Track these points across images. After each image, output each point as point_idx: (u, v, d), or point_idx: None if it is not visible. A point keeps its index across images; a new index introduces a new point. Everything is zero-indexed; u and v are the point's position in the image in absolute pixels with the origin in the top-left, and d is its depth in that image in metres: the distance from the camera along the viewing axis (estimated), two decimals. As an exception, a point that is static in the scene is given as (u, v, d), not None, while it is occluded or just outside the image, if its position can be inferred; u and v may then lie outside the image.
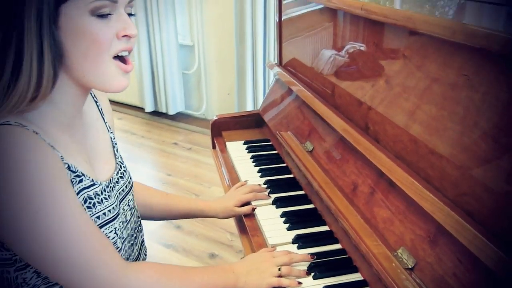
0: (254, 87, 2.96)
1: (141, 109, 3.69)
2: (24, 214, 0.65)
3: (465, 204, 0.69)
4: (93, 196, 0.80)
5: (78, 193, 0.76)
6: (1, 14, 0.68)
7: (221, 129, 1.65)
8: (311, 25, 1.33)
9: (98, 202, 0.81)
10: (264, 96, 2.95)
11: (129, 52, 0.77)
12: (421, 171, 0.80)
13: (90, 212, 0.78)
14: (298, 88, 1.32)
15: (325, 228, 1.05)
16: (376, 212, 0.88)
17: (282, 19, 1.53)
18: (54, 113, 0.76)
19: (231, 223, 2.27)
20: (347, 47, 1.08)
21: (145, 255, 1.02)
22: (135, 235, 0.97)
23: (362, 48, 1.01)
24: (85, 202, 0.77)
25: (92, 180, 0.80)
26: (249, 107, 3.00)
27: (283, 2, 1.51)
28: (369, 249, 0.80)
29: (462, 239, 0.63)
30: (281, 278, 0.88)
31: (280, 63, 1.60)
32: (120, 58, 0.76)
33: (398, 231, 0.80)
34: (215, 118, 1.65)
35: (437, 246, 0.72)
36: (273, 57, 2.79)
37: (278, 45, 1.59)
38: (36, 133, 0.70)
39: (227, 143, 1.53)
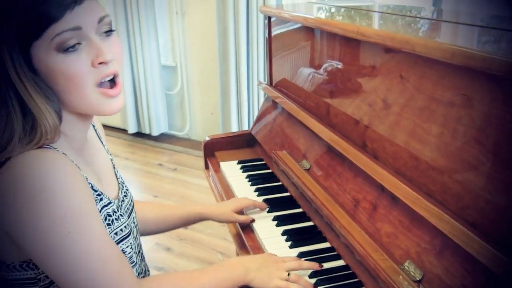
0: (238, 107, 2.99)
1: (124, 130, 3.67)
2: (57, 233, 0.67)
3: (468, 217, 0.72)
4: (111, 213, 0.82)
5: (100, 211, 0.78)
6: None
7: (213, 149, 1.66)
8: (301, 45, 1.37)
9: (116, 219, 0.83)
10: (249, 115, 2.99)
11: (115, 75, 0.75)
12: (422, 186, 0.84)
13: (110, 229, 0.81)
14: (291, 107, 1.36)
15: (326, 245, 1.08)
16: (379, 227, 0.90)
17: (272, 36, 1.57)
18: (67, 141, 0.78)
19: (222, 243, 2.28)
20: (341, 67, 1.13)
21: (148, 271, 1.03)
22: (141, 251, 0.99)
23: (357, 69, 1.05)
24: (105, 219, 0.80)
25: (108, 199, 0.83)
26: (234, 127, 3.02)
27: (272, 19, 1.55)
28: (376, 264, 0.82)
29: (470, 249, 0.67)
30: (288, 283, 0.89)
31: (270, 83, 1.64)
32: (105, 84, 0.75)
33: (403, 245, 0.83)
34: (207, 138, 1.66)
35: (443, 258, 0.75)
36: (256, 76, 2.84)
37: (268, 66, 1.62)
38: (65, 154, 0.72)
39: (221, 163, 1.55)
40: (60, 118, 0.73)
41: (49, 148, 0.71)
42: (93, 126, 0.97)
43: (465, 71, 0.70)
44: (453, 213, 0.75)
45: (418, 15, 1.26)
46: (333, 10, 1.48)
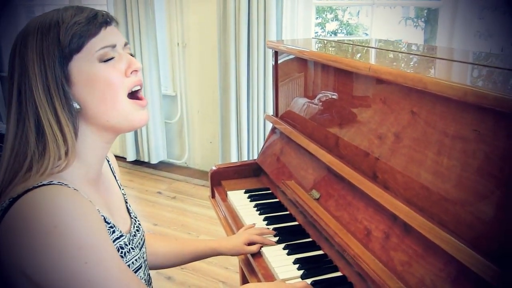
0: (238, 137, 3.04)
1: (122, 158, 3.69)
2: (75, 264, 0.68)
3: (481, 246, 0.76)
4: (123, 246, 0.84)
5: (113, 242, 0.80)
6: (12, 97, 0.75)
7: (220, 178, 1.69)
8: (309, 79, 1.43)
9: (127, 252, 0.85)
10: (248, 145, 3.04)
11: (140, 86, 0.84)
12: (434, 216, 0.88)
13: (123, 261, 0.82)
14: (300, 138, 1.40)
15: (338, 273, 1.10)
16: (392, 255, 0.94)
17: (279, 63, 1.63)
18: (83, 170, 0.81)
19: (223, 272, 2.28)
20: (351, 102, 1.18)
21: None
22: (149, 287, 0.99)
23: (368, 104, 1.10)
24: (118, 251, 0.81)
25: (120, 232, 0.84)
26: (234, 156, 3.06)
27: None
28: (393, 291, 0.85)
29: (486, 277, 0.70)
30: None
31: (276, 115, 1.69)
32: (134, 96, 0.82)
33: (417, 273, 0.86)
34: (213, 168, 1.70)
35: (458, 285, 0.78)
36: (256, 107, 2.90)
37: (275, 98, 1.68)
38: (76, 190, 0.74)
39: (229, 192, 1.57)
40: (76, 133, 0.77)
41: (61, 185, 0.73)
42: (108, 161, 1.00)
43: (477, 108, 0.75)
44: (467, 241, 0.78)
45: (419, 52, 1.33)
46: (338, 46, 1.55)
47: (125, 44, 0.83)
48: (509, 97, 0.67)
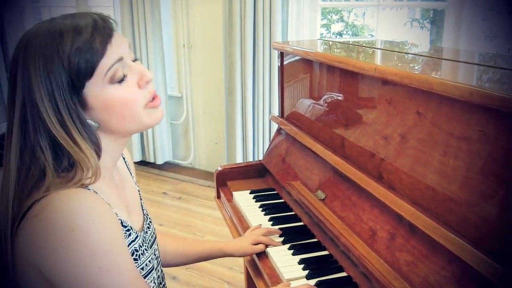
0: (243, 137, 3.05)
1: (128, 159, 3.70)
2: (88, 268, 0.69)
3: (487, 246, 0.76)
4: (138, 248, 0.84)
5: (128, 245, 0.81)
6: (14, 115, 0.73)
7: (225, 179, 1.70)
8: (314, 80, 1.43)
9: (142, 254, 0.85)
10: (253, 146, 3.04)
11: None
12: (440, 216, 0.88)
13: (137, 264, 0.83)
14: (306, 139, 1.41)
15: (343, 274, 1.10)
16: (398, 256, 0.94)
17: (285, 64, 1.64)
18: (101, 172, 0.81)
19: (228, 272, 2.29)
20: (357, 102, 1.18)
21: None
22: (162, 282, 1.00)
23: (373, 104, 1.11)
24: (132, 254, 0.82)
25: (136, 232, 0.85)
26: (239, 157, 3.07)
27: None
28: (398, 291, 0.85)
29: (492, 277, 0.70)
30: None
31: (282, 115, 1.69)
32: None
33: (422, 273, 0.87)
34: (219, 168, 1.70)
35: (463, 285, 0.78)
36: (262, 107, 2.90)
37: (280, 99, 1.69)
38: (96, 192, 0.75)
39: (234, 193, 1.58)
40: (99, 154, 0.77)
41: (82, 187, 0.73)
42: (124, 158, 1.01)
43: (482, 109, 0.75)
44: (472, 242, 0.78)
45: (424, 53, 1.34)
46: (344, 47, 1.56)
47: (129, 46, 0.81)
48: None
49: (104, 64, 0.74)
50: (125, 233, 0.81)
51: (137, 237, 0.85)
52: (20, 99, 0.73)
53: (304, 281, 1.08)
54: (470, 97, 0.75)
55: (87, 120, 0.76)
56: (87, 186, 0.74)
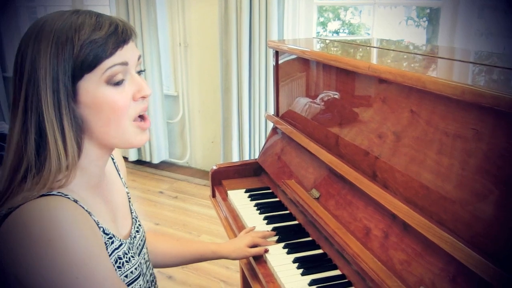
0: (239, 136, 3.05)
1: (124, 158, 3.68)
2: (65, 279, 0.68)
3: (480, 244, 0.76)
4: (122, 256, 0.83)
5: (110, 254, 0.80)
6: (18, 102, 0.73)
7: (220, 178, 1.70)
8: (309, 78, 1.43)
9: (126, 261, 0.84)
10: (250, 145, 3.04)
11: (145, 111, 0.82)
12: (433, 215, 0.88)
13: (120, 272, 0.82)
14: (301, 138, 1.40)
15: (337, 272, 1.10)
16: (391, 254, 0.94)
17: (279, 63, 1.64)
18: (84, 178, 0.80)
19: (224, 271, 2.29)
20: (351, 101, 1.18)
21: None
22: (153, 286, 0.99)
23: (367, 103, 1.10)
24: (115, 262, 0.81)
25: (120, 240, 0.84)
26: (235, 156, 3.07)
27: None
28: (391, 290, 0.85)
29: (484, 275, 0.70)
30: None
31: (277, 114, 1.69)
32: (137, 117, 0.80)
33: (416, 272, 0.87)
34: (214, 167, 1.70)
35: (457, 284, 0.78)
36: (258, 106, 2.90)
37: (275, 97, 1.68)
38: (76, 201, 0.74)
39: (229, 192, 1.58)
40: (79, 148, 0.76)
41: (61, 195, 0.72)
42: (112, 159, 0.99)
43: (474, 107, 0.75)
44: (465, 240, 0.78)
45: (419, 52, 1.33)
46: (339, 45, 1.55)
47: (139, 58, 0.80)
48: (507, 95, 0.68)
49: (107, 62, 0.74)
50: (107, 241, 0.79)
51: (121, 244, 0.83)
52: (26, 79, 0.72)
53: (299, 278, 1.08)
54: (463, 95, 0.75)
55: (77, 116, 0.75)
56: (66, 195, 0.73)
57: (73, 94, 0.73)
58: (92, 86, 0.74)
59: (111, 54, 0.74)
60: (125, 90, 0.77)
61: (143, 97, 0.79)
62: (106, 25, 0.74)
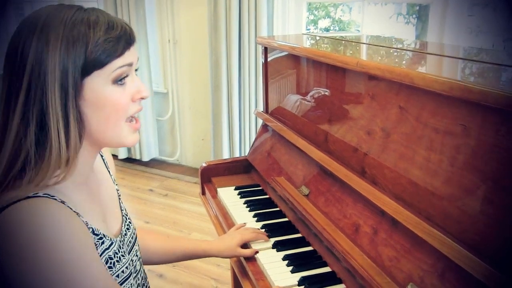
0: (230, 133, 3.03)
1: (114, 156, 3.66)
2: (57, 281, 0.67)
3: (468, 240, 0.76)
4: (112, 256, 0.82)
5: (101, 255, 0.79)
6: (12, 95, 0.71)
7: (210, 175, 1.68)
8: (298, 75, 1.42)
9: (117, 261, 0.84)
10: (240, 141, 3.03)
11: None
12: (422, 211, 0.88)
13: (111, 272, 0.81)
14: (290, 134, 1.40)
15: (327, 269, 1.10)
16: (380, 251, 0.93)
17: (268, 61, 1.63)
18: (72, 176, 0.78)
19: (215, 269, 2.28)
20: (339, 97, 1.18)
21: None
22: (145, 284, 0.98)
23: (356, 99, 1.10)
24: (106, 262, 0.80)
25: (110, 240, 0.83)
26: (225, 153, 3.06)
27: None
28: (381, 287, 0.85)
29: (472, 271, 0.70)
30: None
31: (266, 111, 1.68)
32: (130, 118, 0.81)
33: (405, 268, 0.86)
34: (204, 164, 1.69)
35: (445, 280, 0.78)
36: (248, 103, 2.89)
37: (265, 94, 1.67)
38: (63, 202, 0.73)
39: (219, 189, 1.57)
40: (80, 145, 0.75)
41: (47, 197, 0.71)
42: (101, 156, 0.98)
43: (462, 103, 0.75)
44: (454, 236, 0.78)
45: (408, 48, 1.33)
46: (328, 41, 1.55)
47: (138, 58, 0.82)
48: (494, 91, 0.67)
49: (118, 62, 0.75)
50: (97, 241, 0.78)
51: (111, 244, 0.83)
52: (29, 69, 0.70)
53: (289, 275, 1.07)
54: (451, 91, 0.75)
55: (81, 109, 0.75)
56: (53, 196, 0.72)
57: (80, 90, 0.73)
58: (99, 84, 0.74)
59: (121, 54, 0.75)
60: (127, 90, 0.78)
61: (142, 98, 0.81)
62: (118, 25, 0.76)
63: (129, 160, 3.65)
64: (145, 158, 3.54)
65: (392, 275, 0.88)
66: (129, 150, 3.64)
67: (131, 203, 3.05)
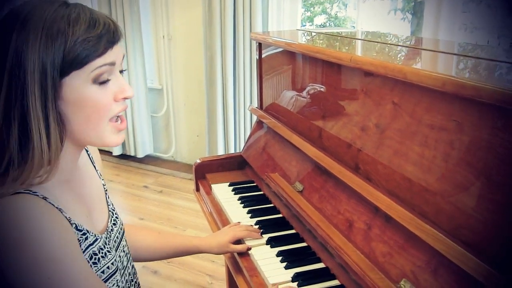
0: (225, 129, 3.03)
1: (108, 152, 3.65)
2: (37, 279, 0.67)
3: (461, 236, 0.76)
4: (97, 252, 0.82)
5: (84, 251, 0.78)
6: (1, 94, 0.70)
7: (204, 171, 1.68)
8: (293, 71, 1.42)
9: (102, 257, 0.83)
10: (235, 138, 3.02)
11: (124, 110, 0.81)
12: (415, 207, 0.88)
13: (96, 268, 0.80)
14: (284, 131, 1.39)
15: (321, 265, 1.10)
16: (374, 247, 0.93)
17: (263, 57, 1.62)
18: (56, 174, 0.77)
19: (210, 265, 2.28)
20: (333, 93, 1.17)
21: None
22: (134, 279, 0.98)
23: (349, 95, 1.10)
24: (90, 258, 0.80)
25: (95, 236, 0.82)
26: (220, 149, 3.05)
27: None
28: (374, 283, 0.85)
29: (465, 267, 0.70)
30: None
31: (261, 107, 1.68)
32: (115, 117, 0.79)
33: (398, 264, 0.86)
34: (198, 161, 1.68)
35: (438, 275, 0.78)
36: (243, 99, 2.88)
37: (259, 90, 1.67)
38: (45, 198, 0.72)
39: (213, 186, 1.56)
40: (62, 145, 0.75)
41: (29, 193, 0.71)
42: (87, 151, 0.97)
43: (456, 98, 0.75)
44: (447, 232, 0.78)
45: (403, 44, 1.33)
46: (322, 37, 1.54)
47: (123, 57, 0.80)
48: (487, 86, 0.67)
49: (97, 62, 0.73)
50: (81, 237, 0.78)
51: (96, 239, 0.82)
52: (9, 67, 0.69)
53: (283, 271, 1.07)
54: (444, 87, 0.74)
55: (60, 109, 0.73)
56: (35, 192, 0.71)
57: (59, 90, 0.71)
58: (77, 84, 0.72)
59: (102, 54, 0.73)
60: (109, 90, 0.76)
61: (125, 98, 0.79)
62: (101, 23, 0.73)
63: (124, 156, 3.64)
64: (140, 155, 3.53)
65: (386, 271, 0.88)
66: (123, 146, 3.63)
67: (125, 200, 3.04)
